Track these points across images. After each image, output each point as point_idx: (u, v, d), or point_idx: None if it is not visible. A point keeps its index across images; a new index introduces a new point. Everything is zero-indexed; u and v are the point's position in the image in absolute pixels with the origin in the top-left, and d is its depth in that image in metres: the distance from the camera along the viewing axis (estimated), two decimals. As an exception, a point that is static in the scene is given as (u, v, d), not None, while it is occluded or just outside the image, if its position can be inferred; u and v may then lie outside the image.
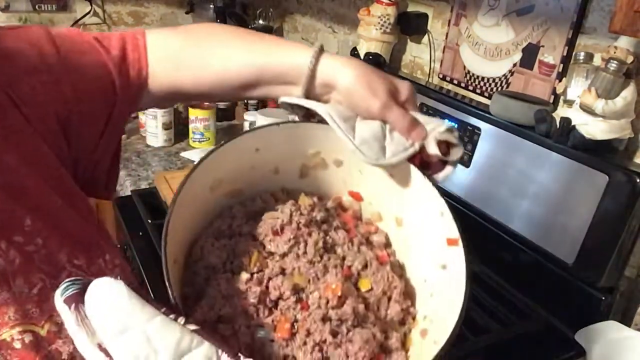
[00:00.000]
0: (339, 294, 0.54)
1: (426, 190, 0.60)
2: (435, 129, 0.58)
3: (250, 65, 0.63)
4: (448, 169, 0.60)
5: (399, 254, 0.64)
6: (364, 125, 0.59)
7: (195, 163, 0.54)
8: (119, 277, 0.41)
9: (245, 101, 1.81)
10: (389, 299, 0.58)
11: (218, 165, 0.57)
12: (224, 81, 0.64)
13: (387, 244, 0.65)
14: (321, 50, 0.60)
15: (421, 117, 0.60)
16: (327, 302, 0.54)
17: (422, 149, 0.59)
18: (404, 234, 0.65)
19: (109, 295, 0.41)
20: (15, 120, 0.50)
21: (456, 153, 0.60)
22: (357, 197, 0.67)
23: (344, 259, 0.60)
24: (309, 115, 0.63)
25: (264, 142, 0.60)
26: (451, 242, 0.61)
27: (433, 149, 0.58)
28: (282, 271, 0.56)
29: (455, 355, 0.81)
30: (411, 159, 0.59)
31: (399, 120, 0.58)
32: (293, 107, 0.64)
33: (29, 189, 0.50)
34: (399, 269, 0.62)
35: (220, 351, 0.41)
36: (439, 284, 0.59)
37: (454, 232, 0.61)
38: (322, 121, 0.59)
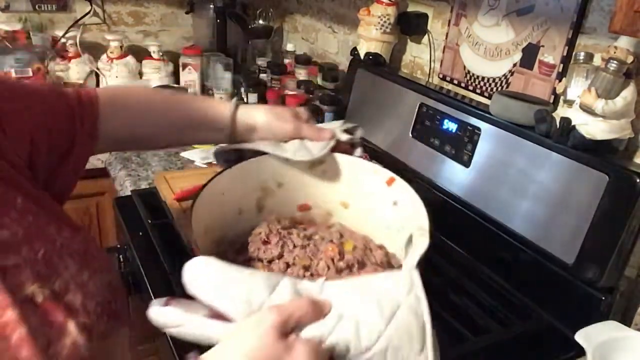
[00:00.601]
0: (337, 250, 0.71)
1: (355, 164, 0.79)
2: (337, 126, 0.81)
3: (186, 117, 0.81)
4: (358, 148, 0.81)
5: (359, 225, 0.80)
6: (288, 144, 0.77)
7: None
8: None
9: (245, 101, 1.81)
10: (370, 250, 0.74)
11: (202, 211, 0.68)
12: (167, 126, 0.81)
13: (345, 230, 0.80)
14: (238, 103, 0.82)
15: (322, 125, 0.82)
16: (333, 261, 0.69)
17: (335, 145, 0.78)
18: (354, 208, 0.81)
19: (203, 266, 0.52)
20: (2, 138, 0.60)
21: (359, 133, 0.83)
22: (305, 207, 0.83)
23: (322, 238, 0.74)
24: (240, 160, 0.79)
25: (225, 185, 0.74)
26: (390, 181, 0.77)
27: (343, 136, 0.80)
28: (287, 266, 0.69)
29: (455, 355, 0.81)
30: (333, 151, 0.78)
31: (310, 131, 0.79)
32: (225, 156, 0.81)
33: (19, 179, 0.59)
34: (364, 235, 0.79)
35: (297, 279, 0.54)
36: (400, 217, 0.74)
37: (389, 174, 0.77)
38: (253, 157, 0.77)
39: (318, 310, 0.51)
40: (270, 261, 0.70)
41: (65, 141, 0.69)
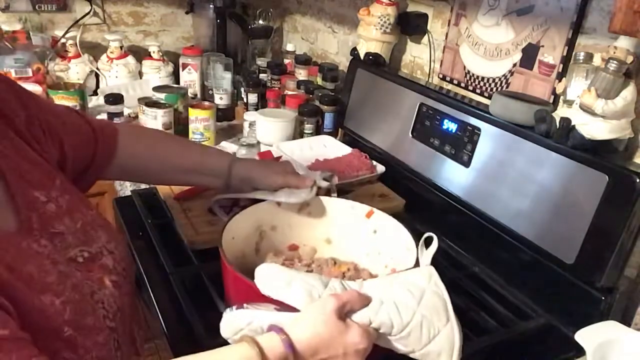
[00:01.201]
0: (342, 270, 0.87)
1: (335, 204, 0.94)
2: (317, 175, 0.95)
3: (192, 162, 0.96)
4: (334, 194, 0.96)
5: (342, 256, 0.93)
6: (280, 191, 0.91)
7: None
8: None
9: (245, 101, 1.81)
10: (359, 272, 0.88)
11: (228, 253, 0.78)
12: (174, 166, 0.95)
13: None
14: (235, 157, 0.99)
15: (306, 174, 0.97)
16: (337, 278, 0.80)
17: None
18: (336, 242, 0.95)
19: (271, 269, 0.66)
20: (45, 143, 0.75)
21: (334, 180, 0.98)
22: (294, 247, 0.94)
23: (319, 265, 0.89)
24: (234, 205, 0.99)
25: (236, 230, 0.85)
26: (369, 214, 0.92)
27: (323, 183, 0.94)
28: None
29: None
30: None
31: (295, 180, 0.91)
32: (221, 202, 0.98)
33: (55, 166, 0.74)
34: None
35: (342, 280, 0.67)
36: (379, 243, 0.90)
37: (366, 209, 0.93)
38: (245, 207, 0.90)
39: (365, 299, 0.64)
40: None
41: (85, 158, 0.83)
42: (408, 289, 0.66)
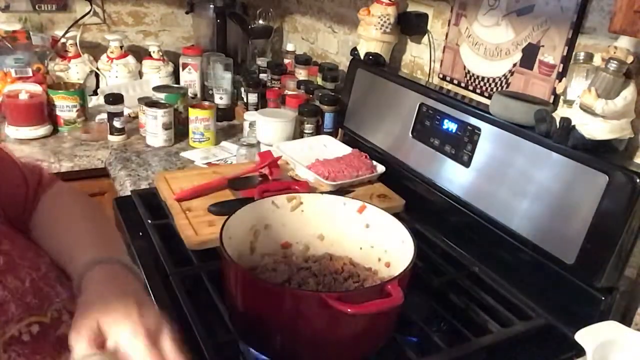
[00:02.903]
0: (341, 265, 0.89)
1: (327, 201, 0.95)
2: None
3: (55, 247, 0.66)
4: None
5: (335, 252, 0.95)
6: None
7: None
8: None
9: (245, 101, 1.81)
10: (354, 265, 0.91)
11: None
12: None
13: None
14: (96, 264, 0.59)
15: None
16: (336, 273, 0.87)
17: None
18: (329, 238, 0.96)
19: None
20: None
21: None
22: (287, 245, 0.95)
23: (316, 261, 0.91)
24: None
25: (232, 229, 0.83)
26: (361, 209, 0.93)
27: None
28: (299, 285, 0.84)
29: (455, 355, 0.81)
30: None
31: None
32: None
33: None
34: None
35: None
36: (372, 237, 0.92)
37: (358, 204, 0.93)
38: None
39: None
40: (281, 285, 0.82)
41: (18, 207, 0.69)
42: None
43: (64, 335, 0.50)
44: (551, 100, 1.10)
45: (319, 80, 1.79)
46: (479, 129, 1.11)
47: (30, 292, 0.51)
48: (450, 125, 1.19)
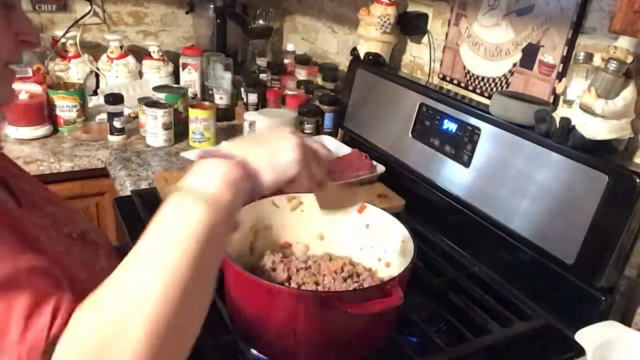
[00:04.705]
0: (340, 265, 0.88)
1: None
2: None
3: None
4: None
5: (335, 251, 0.95)
6: None
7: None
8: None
9: (245, 101, 1.81)
10: (354, 265, 0.91)
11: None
12: None
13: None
14: None
15: None
16: (336, 273, 0.86)
17: None
18: (329, 238, 0.96)
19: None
20: None
21: None
22: (287, 245, 0.96)
23: (315, 262, 0.91)
24: None
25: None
26: (361, 209, 0.92)
27: None
28: (299, 286, 0.84)
29: (455, 355, 0.81)
30: None
31: None
32: None
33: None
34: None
35: None
36: (372, 237, 0.91)
37: (359, 205, 0.91)
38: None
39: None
40: (281, 284, 0.82)
41: None
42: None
43: (93, 238, 0.73)
44: (551, 100, 1.10)
45: (319, 80, 1.79)
46: (479, 129, 1.11)
47: (65, 213, 0.73)
48: (450, 125, 1.19)
